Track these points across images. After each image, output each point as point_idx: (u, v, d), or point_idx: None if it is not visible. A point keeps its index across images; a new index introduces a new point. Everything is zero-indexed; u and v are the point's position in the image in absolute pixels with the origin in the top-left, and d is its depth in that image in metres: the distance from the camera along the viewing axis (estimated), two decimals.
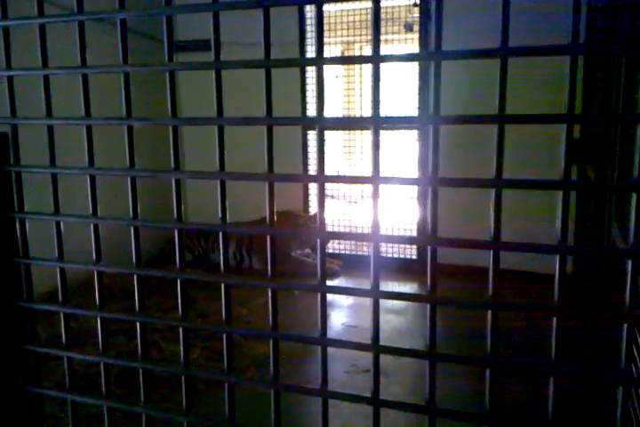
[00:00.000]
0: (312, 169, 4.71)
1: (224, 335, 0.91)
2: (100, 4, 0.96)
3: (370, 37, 0.75)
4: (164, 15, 0.87)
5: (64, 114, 0.96)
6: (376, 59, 0.74)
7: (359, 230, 4.91)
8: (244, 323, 3.22)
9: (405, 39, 5.12)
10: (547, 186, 0.72)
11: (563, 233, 0.71)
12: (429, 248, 0.77)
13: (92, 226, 0.97)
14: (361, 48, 6.93)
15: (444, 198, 0.84)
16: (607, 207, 2.95)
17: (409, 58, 0.77)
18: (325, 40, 0.79)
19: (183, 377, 0.94)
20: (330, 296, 0.85)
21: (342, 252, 4.79)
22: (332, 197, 5.52)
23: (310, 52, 4.64)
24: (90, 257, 0.98)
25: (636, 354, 1.60)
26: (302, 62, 1.45)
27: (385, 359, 0.83)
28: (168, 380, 2.44)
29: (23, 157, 1.01)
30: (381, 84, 0.76)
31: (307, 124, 0.82)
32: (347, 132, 5.82)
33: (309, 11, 4.51)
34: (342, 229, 4.76)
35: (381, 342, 0.81)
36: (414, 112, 4.53)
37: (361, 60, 0.89)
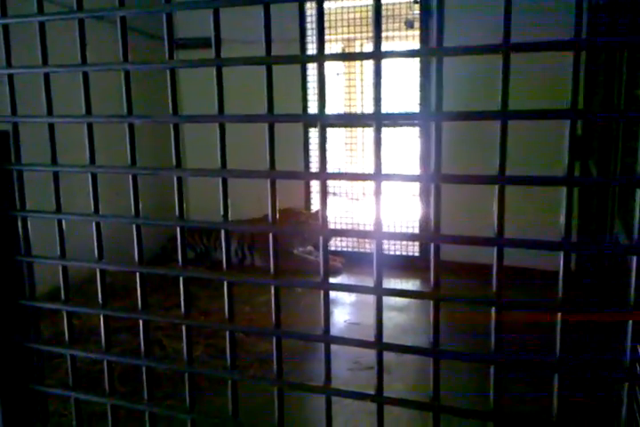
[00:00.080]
0: (314, 166, 4.70)
1: (227, 333, 0.91)
2: (100, 2, 0.95)
3: (370, 34, 0.75)
4: (164, 13, 0.86)
5: (65, 112, 0.96)
6: (377, 55, 0.74)
7: (361, 228, 4.91)
8: (247, 320, 3.22)
9: (406, 36, 5.12)
10: (550, 182, 0.72)
11: (567, 230, 0.71)
12: (432, 245, 0.76)
13: (93, 224, 0.97)
14: (362, 45, 6.91)
15: (446, 195, 0.83)
16: (610, 204, 2.94)
17: (411, 54, 0.77)
18: (326, 37, 0.79)
19: (186, 375, 0.94)
20: (332, 294, 0.85)
21: (344, 249, 4.79)
22: (334, 194, 5.52)
23: (311, 49, 4.63)
24: (92, 255, 0.98)
25: None
26: (303, 59, 1.43)
27: (388, 356, 0.83)
28: (171, 377, 2.44)
29: (24, 156, 1.01)
30: (383, 80, 0.76)
31: (308, 121, 0.82)
32: (348, 129, 5.83)
33: (310, 8, 4.50)
34: (344, 227, 4.75)
35: (384, 340, 0.81)
36: (416, 109, 4.51)
37: (362, 56, 0.89)
